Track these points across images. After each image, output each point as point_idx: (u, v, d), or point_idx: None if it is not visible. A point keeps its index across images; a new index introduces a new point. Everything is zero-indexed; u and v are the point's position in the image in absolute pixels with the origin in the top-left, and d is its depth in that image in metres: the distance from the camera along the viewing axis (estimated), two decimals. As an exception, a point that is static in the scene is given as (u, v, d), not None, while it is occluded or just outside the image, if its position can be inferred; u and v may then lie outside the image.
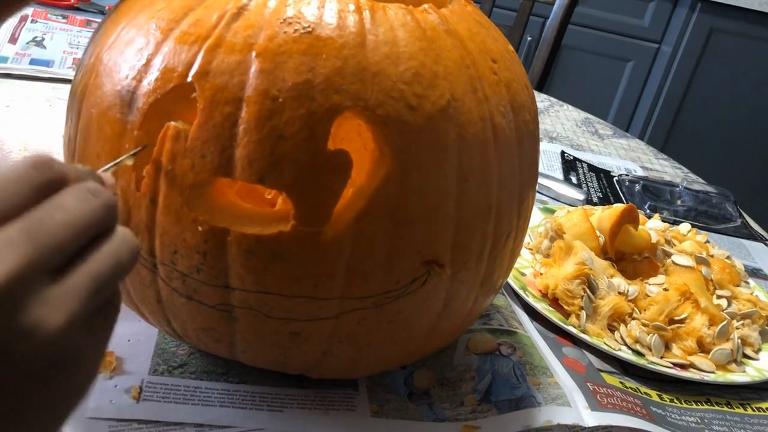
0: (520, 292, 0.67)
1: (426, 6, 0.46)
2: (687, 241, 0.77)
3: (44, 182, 0.28)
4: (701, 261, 0.71)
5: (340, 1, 0.42)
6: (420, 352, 0.51)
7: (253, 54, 0.40)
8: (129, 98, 0.41)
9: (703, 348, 0.64)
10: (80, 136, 0.45)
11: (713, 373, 0.62)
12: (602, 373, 0.60)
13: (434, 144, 0.41)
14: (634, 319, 0.65)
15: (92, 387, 0.31)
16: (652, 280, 0.69)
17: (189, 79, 0.40)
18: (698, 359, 0.63)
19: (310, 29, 0.40)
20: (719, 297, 0.69)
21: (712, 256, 0.76)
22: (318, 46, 0.40)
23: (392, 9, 0.43)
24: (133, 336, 0.53)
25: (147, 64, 0.41)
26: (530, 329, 0.64)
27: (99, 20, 1.15)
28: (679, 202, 0.99)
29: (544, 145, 1.10)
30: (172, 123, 0.40)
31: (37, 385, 0.27)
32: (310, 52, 0.40)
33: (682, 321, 0.64)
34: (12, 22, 1.03)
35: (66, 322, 0.27)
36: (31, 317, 0.26)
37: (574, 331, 0.63)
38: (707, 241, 0.80)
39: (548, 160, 1.06)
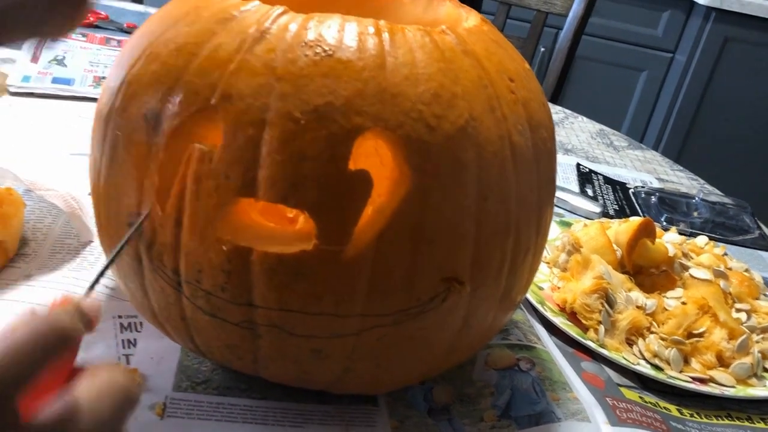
0: (538, 307, 0.67)
1: (443, 27, 0.46)
2: (704, 254, 0.77)
3: (56, 342, 0.32)
4: (719, 274, 0.71)
5: (359, 24, 0.43)
6: (439, 367, 0.51)
7: (276, 77, 0.41)
8: (154, 121, 0.42)
9: (722, 362, 0.64)
10: (105, 158, 0.46)
11: (733, 387, 0.62)
12: (621, 388, 0.60)
13: (453, 163, 0.42)
14: (652, 333, 0.65)
15: None
16: (669, 293, 0.69)
17: (212, 102, 0.41)
18: (718, 373, 0.62)
19: (330, 52, 0.41)
20: (738, 310, 0.69)
21: (730, 268, 0.75)
22: (339, 69, 0.41)
23: (411, 31, 0.44)
24: (156, 353, 0.53)
25: (171, 87, 0.42)
26: (549, 344, 0.64)
27: (118, 38, 1.17)
28: (695, 213, 0.99)
29: (559, 158, 1.10)
30: (197, 145, 0.41)
31: None
32: (331, 74, 0.40)
33: (700, 335, 0.64)
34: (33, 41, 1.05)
35: None
36: None
37: (593, 345, 0.63)
38: (725, 254, 0.79)
39: (564, 173, 1.06)
